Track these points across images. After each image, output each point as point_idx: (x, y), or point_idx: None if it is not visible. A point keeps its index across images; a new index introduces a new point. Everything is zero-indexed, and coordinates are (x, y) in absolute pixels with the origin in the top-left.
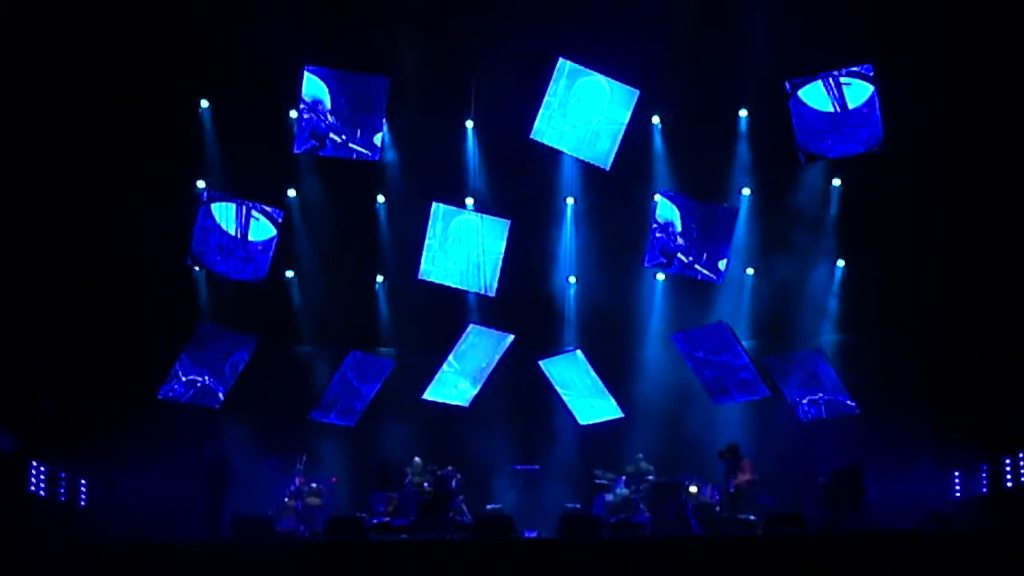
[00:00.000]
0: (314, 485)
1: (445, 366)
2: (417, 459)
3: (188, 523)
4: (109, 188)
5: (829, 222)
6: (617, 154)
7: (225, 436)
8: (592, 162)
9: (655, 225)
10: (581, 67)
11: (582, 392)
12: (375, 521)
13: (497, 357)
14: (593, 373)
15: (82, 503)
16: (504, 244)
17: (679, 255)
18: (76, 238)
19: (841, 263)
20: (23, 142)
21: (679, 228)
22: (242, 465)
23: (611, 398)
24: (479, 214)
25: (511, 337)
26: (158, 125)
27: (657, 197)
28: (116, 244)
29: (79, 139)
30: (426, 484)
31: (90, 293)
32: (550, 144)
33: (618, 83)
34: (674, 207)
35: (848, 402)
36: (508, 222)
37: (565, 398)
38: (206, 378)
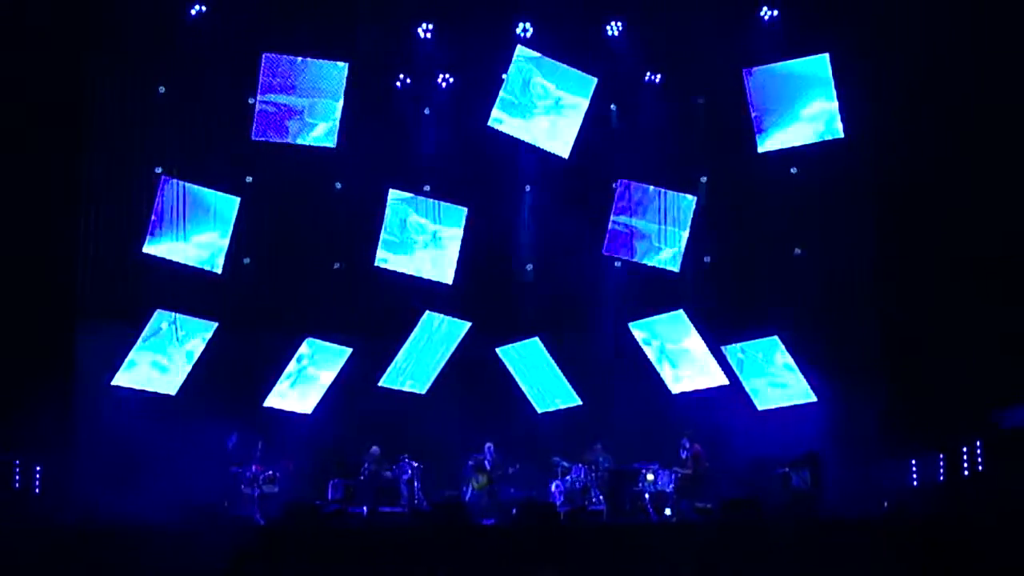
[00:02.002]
0: (270, 472)
1: (401, 353)
2: (375, 448)
3: (143, 509)
4: (64, 173)
5: (786, 210)
6: (575, 142)
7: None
8: (550, 150)
9: (613, 213)
10: (539, 55)
11: (540, 380)
12: (331, 508)
13: (454, 344)
14: (551, 360)
15: (36, 490)
16: (461, 232)
17: (637, 243)
18: (29, 224)
19: (798, 251)
20: None
21: (637, 216)
22: (197, 452)
23: (569, 386)
24: (436, 201)
25: (468, 324)
26: (115, 111)
27: (615, 184)
28: (71, 230)
29: (35, 121)
30: (385, 472)
31: (46, 279)
32: (507, 132)
33: (576, 70)
34: (630, 193)
35: (806, 390)
36: (465, 209)
37: (523, 386)
38: (161, 364)
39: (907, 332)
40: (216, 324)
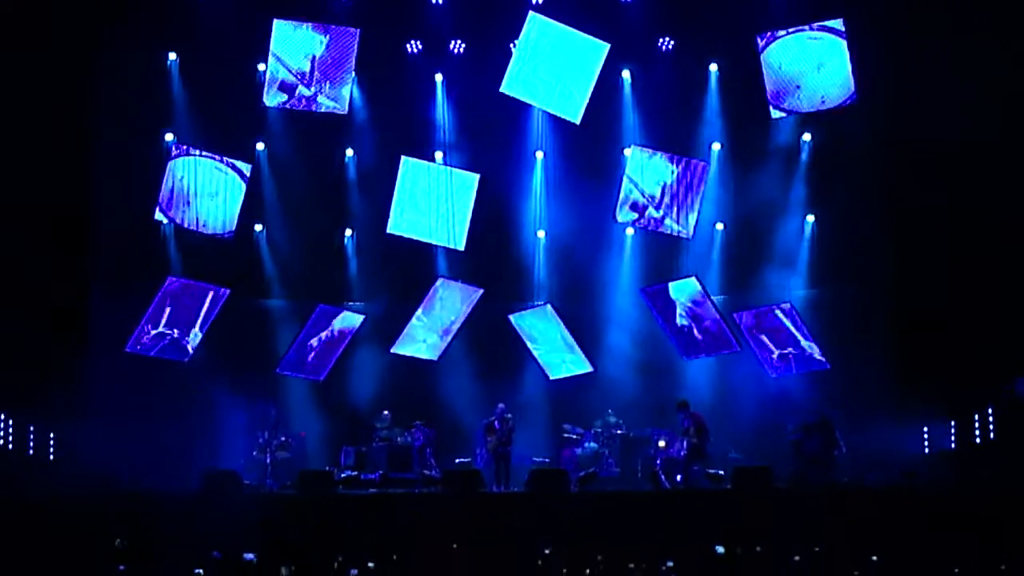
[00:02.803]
0: (283, 439)
1: (414, 320)
2: (386, 412)
3: (156, 475)
4: (77, 139)
5: (799, 177)
6: (587, 108)
7: (197, 389)
8: (562, 116)
9: (625, 179)
10: (551, 20)
11: (552, 347)
12: (344, 475)
13: (466, 311)
14: (563, 327)
15: (51, 456)
16: (473, 198)
17: (649, 209)
18: (45, 190)
19: (811, 218)
20: None
21: (649, 182)
22: (210, 419)
23: (581, 353)
24: (448, 168)
25: (480, 291)
26: (126, 78)
27: (627, 151)
28: (85, 196)
29: (47, 90)
30: (397, 439)
31: (60, 245)
32: (520, 98)
33: (588, 36)
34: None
35: (818, 357)
36: (477, 176)
37: (535, 352)
38: (174, 331)
39: (920, 299)
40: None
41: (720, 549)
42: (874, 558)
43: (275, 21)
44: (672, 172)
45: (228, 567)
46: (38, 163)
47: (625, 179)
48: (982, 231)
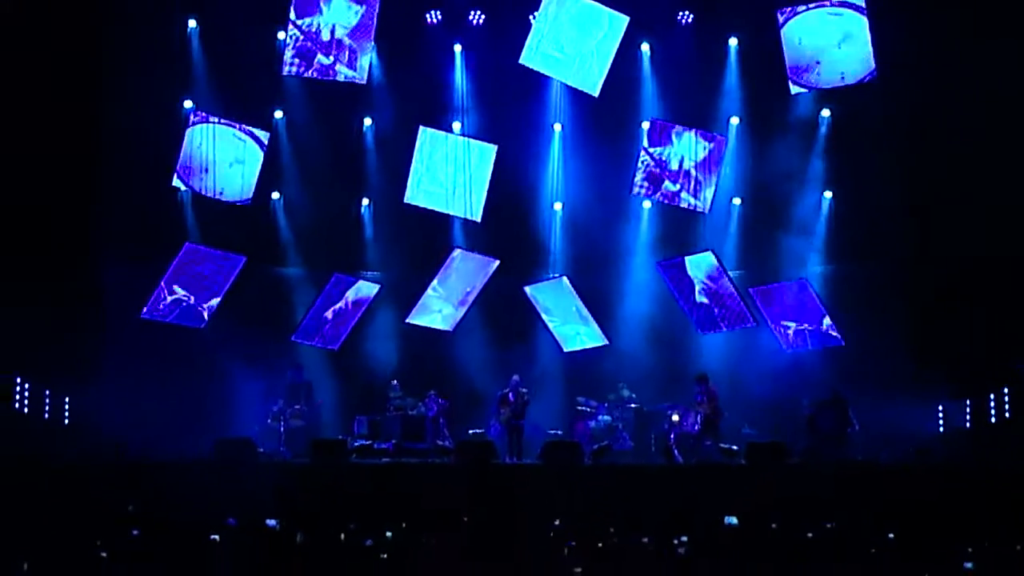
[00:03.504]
0: (297, 407)
1: (429, 290)
2: (395, 382)
3: (170, 441)
4: (96, 106)
5: (817, 152)
6: (606, 81)
7: (210, 355)
8: (580, 88)
9: (643, 153)
10: None
11: (567, 319)
12: (357, 444)
13: (482, 282)
14: (578, 300)
15: (65, 420)
16: (491, 169)
17: (666, 183)
18: (63, 157)
19: (829, 194)
20: (11, 58)
21: (667, 156)
22: (225, 386)
23: (595, 325)
24: (466, 138)
25: (496, 262)
26: (146, 44)
27: (645, 124)
28: (103, 163)
29: (67, 57)
30: (411, 409)
31: (77, 211)
32: (538, 69)
33: (608, 9)
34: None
35: (833, 333)
36: (495, 147)
37: (549, 324)
38: (191, 298)
39: (937, 277)
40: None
41: (732, 520)
42: (891, 536)
43: None
44: (690, 146)
45: (244, 534)
46: (56, 130)
47: (642, 152)
48: (1001, 210)
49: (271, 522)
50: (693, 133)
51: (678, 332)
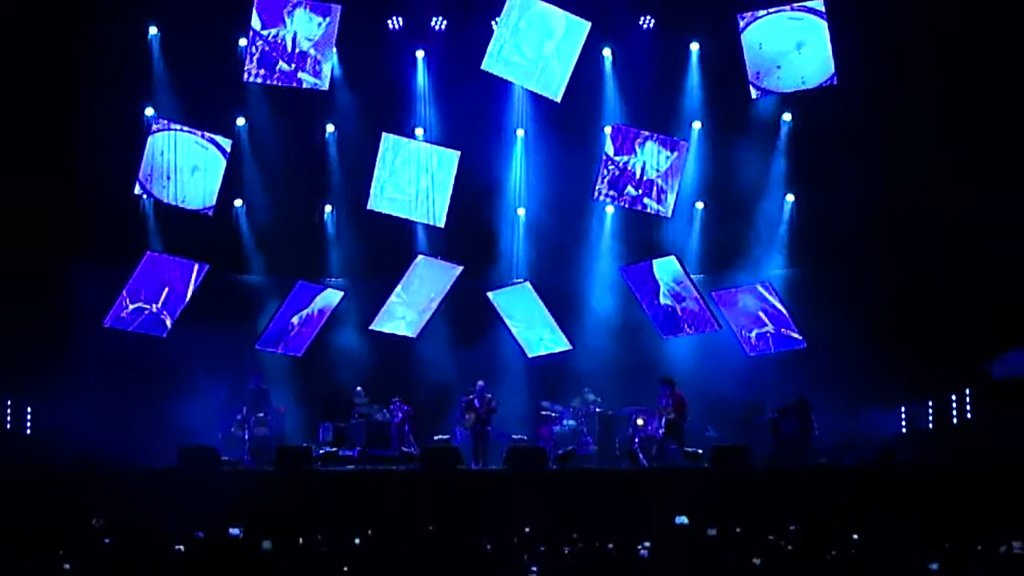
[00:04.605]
0: (261, 415)
1: (393, 297)
2: (359, 388)
3: (134, 450)
4: (57, 113)
5: (779, 156)
6: (568, 86)
7: (173, 364)
8: (543, 93)
9: (606, 158)
10: None
11: (531, 324)
12: (322, 451)
13: (445, 288)
14: (542, 305)
15: (28, 430)
16: (453, 175)
17: (629, 188)
18: (23, 164)
19: (791, 198)
20: None
21: (629, 161)
22: (189, 394)
23: (559, 330)
24: (429, 145)
25: (459, 268)
26: (107, 52)
27: (607, 130)
28: (64, 170)
29: (28, 64)
30: (376, 415)
31: (38, 219)
32: (501, 75)
33: (569, 14)
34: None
35: (795, 336)
36: (458, 153)
37: (513, 330)
38: (153, 306)
39: (898, 279)
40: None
41: (682, 519)
42: (854, 537)
43: None
44: (652, 151)
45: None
46: (17, 137)
47: (605, 157)
48: (961, 212)
49: (234, 531)
50: (655, 142)
51: (642, 336)
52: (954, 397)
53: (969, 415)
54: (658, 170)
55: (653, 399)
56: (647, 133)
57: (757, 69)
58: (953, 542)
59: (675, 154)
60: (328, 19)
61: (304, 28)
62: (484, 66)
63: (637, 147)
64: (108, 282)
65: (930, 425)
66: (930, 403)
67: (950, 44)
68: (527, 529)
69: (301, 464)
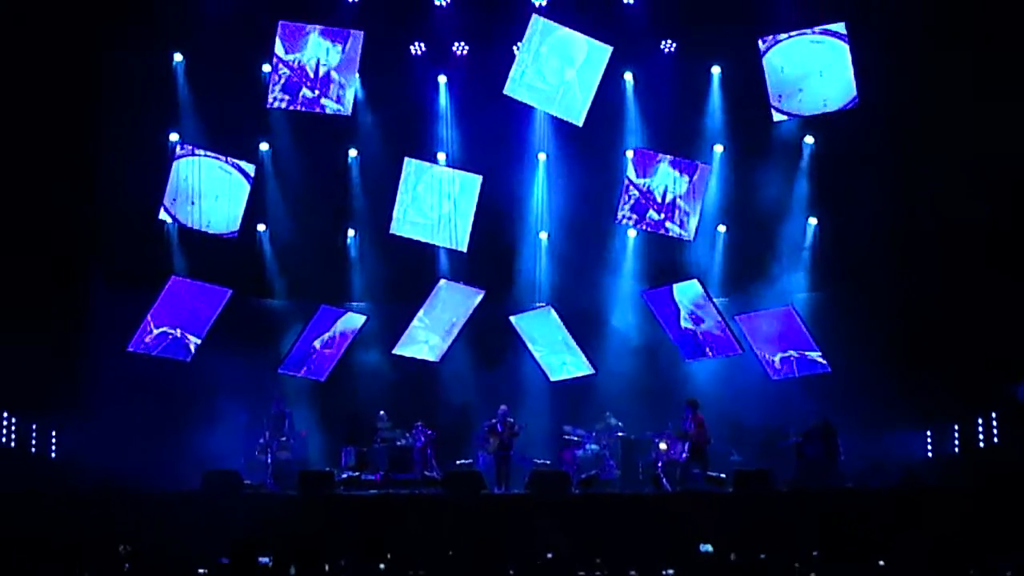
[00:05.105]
0: (283, 439)
1: (415, 321)
2: (382, 412)
3: (157, 474)
4: (81, 139)
5: (801, 179)
6: (590, 110)
7: (196, 388)
8: (565, 118)
9: (627, 182)
10: (554, 23)
11: (553, 348)
12: (344, 475)
13: (468, 312)
14: (564, 329)
15: (52, 454)
16: (476, 200)
17: (651, 212)
18: (49, 189)
19: (813, 221)
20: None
21: (651, 185)
22: (212, 419)
23: (582, 354)
24: (451, 169)
25: (482, 293)
26: (132, 78)
27: (629, 154)
28: (89, 195)
29: (55, 88)
30: (398, 440)
31: (63, 242)
32: (523, 100)
33: (591, 39)
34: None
35: (819, 360)
36: (480, 177)
37: (536, 354)
38: (177, 331)
39: (922, 302)
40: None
41: (707, 548)
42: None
43: (280, 22)
44: (674, 175)
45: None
46: (43, 162)
47: (627, 181)
48: (985, 234)
49: (263, 559)
50: (676, 166)
51: (664, 360)
52: (980, 420)
53: (996, 438)
54: (680, 196)
55: (676, 423)
56: (666, 156)
57: (779, 92)
58: (979, 566)
59: (696, 179)
60: (346, 45)
61: (321, 55)
62: (506, 91)
63: (659, 173)
64: (132, 306)
65: (956, 448)
66: (956, 426)
67: (971, 65)
68: (549, 555)
69: (323, 488)
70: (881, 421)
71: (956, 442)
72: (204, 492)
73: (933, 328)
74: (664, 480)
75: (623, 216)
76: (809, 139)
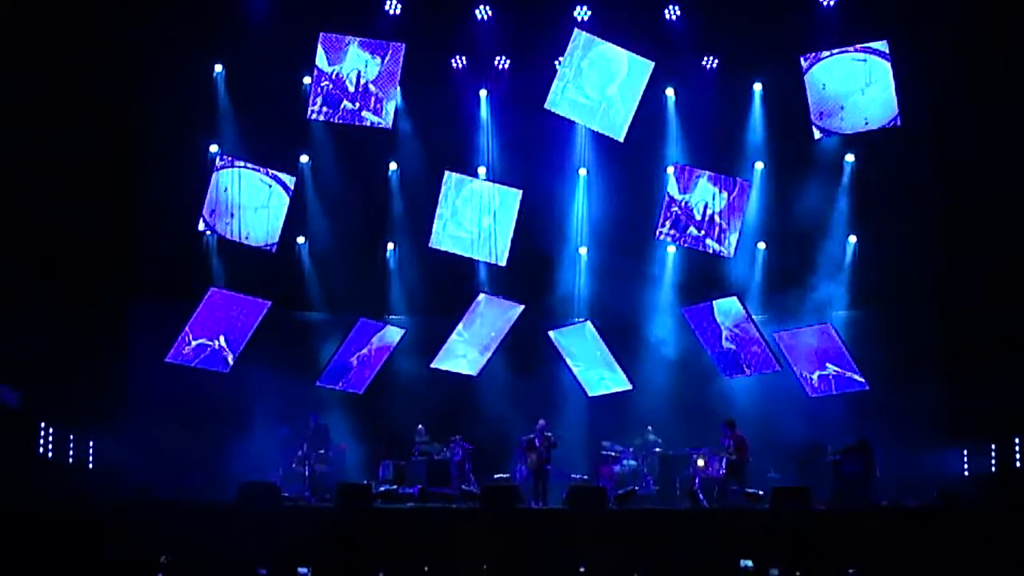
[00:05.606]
0: (321, 451)
1: (454, 335)
2: (420, 426)
3: (194, 486)
4: (123, 149)
5: (842, 197)
6: (631, 126)
7: (234, 399)
8: (606, 133)
9: (668, 198)
10: (596, 38)
11: (591, 363)
12: (382, 488)
13: (506, 327)
14: (603, 345)
15: (90, 465)
16: (515, 214)
17: (691, 228)
18: (91, 201)
19: (853, 239)
20: (38, 101)
21: (692, 201)
22: (250, 431)
23: (620, 370)
24: (491, 183)
25: (521, 307)
26: (173, 89)
27: (670, 170)
28: (129, 206)
29: (96, 99)
30: (436, 454)
31: (102, 253)
32: (564, 114)
33: (633, 54)
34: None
35: (857, 378)
36: (520, 192)
37: (574, 369)
38: (216, 343)
39: (961, 321)
40: (267, 303)
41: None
42: None
43: (321, 34)
44: (714, 191)
45: None
46: (84, 173)
47: (667, 197)
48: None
49: (303, 570)
50: (716, 182)
51: (703, 376)
52: (1017, 440)
53: None
54: (719, 212)
55: (714, 440)
56: (705, 172)
57: (820, 110)
58: None
59: (736, 195)
60: (385, 57)
61: (360, 66)
62: (547, 105)
63: (698, 189)
64: (170, 317)
65: (993, 468)
66: (992, 445)
67: (1013, 85)
68: (583, 569)
69: (361, 501)
70: (918, 439)
71: (993, 461)
72: (241, 504)
73: (970, 346)
74: (701, 496)
75: (662, 232)
76: (850, 157)
